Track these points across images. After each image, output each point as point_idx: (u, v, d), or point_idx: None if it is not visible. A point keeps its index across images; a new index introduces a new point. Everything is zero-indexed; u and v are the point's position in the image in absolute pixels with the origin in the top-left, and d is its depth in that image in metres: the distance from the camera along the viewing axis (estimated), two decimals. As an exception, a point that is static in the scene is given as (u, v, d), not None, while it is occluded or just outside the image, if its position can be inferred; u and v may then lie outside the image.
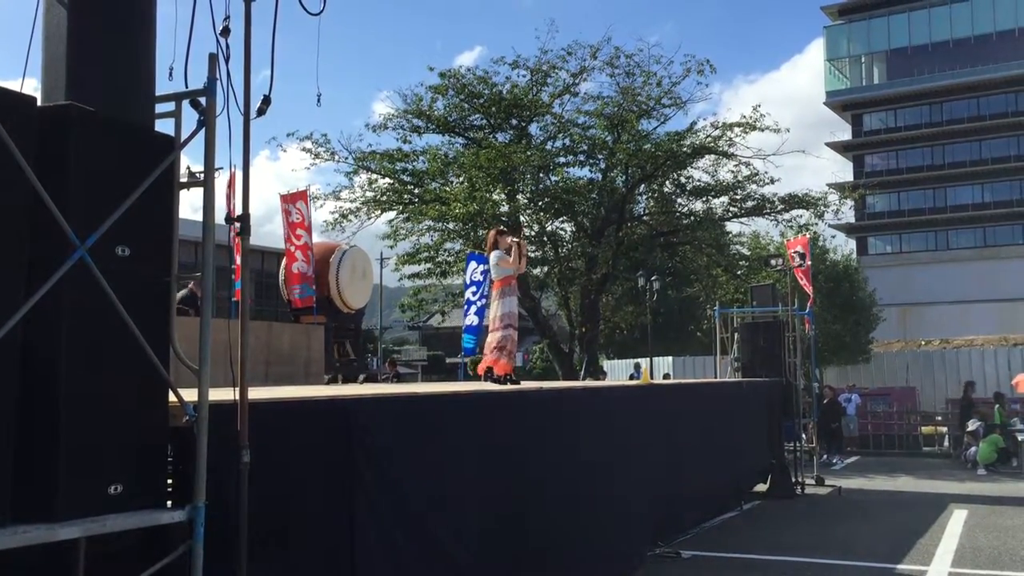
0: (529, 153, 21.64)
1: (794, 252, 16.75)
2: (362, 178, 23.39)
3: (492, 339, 8.83)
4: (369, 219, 23.48)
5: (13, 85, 3.72)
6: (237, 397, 4.14)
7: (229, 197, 12.22)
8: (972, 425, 18.77)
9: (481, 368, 8.93)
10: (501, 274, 8.87)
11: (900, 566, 8.83)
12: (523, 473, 6.74)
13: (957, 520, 11.37)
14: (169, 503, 3.90)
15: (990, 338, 37.63)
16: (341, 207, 23.23)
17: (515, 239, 9.15)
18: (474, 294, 17.05)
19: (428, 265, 23.14)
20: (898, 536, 10.34)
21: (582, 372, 22.40)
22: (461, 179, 21.85)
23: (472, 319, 17.03)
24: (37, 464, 3.37)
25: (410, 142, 23.53)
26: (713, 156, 22.90)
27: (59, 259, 3.39)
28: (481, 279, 16.76)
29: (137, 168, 3.73)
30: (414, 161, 23.47)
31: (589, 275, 22.54)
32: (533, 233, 22.54)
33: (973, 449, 18.08)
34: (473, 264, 17.24)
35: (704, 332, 32.04)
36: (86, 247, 3.45)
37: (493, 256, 8.98)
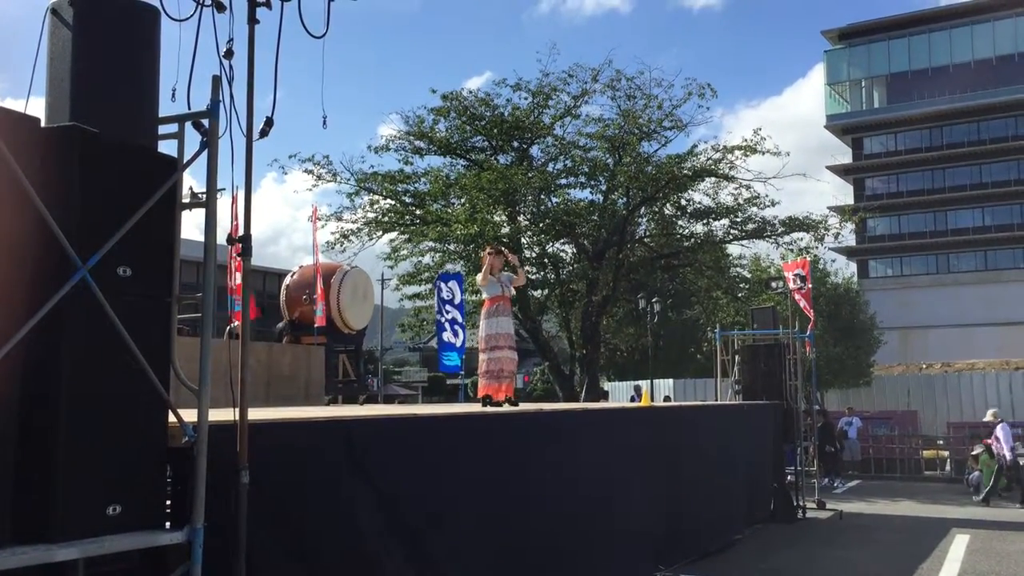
0: (530, 175, 21.71)
1: (793, 275, 16.76)
2: (364, 199, 23.47)
3: (481, 362, 8.80)
4: (370, 240, 23.53)
5: (18, 105, 3.75)
6: (237, 418, 4.13)
7: (235, 215, 12.25)
8: (976, 449, 18.68)
9: (480, 392, 8.88)
10: (490, 293, 8.86)
11: (902, 591, 8.79)
12: (521, 494, 6.72)
13: (959, 545, 11.31)
14: (168, 524, 3.89)
15: (992, 362, 37.65)
16: (342, 228, 23.30)
17: (506, 259, 9.12)
18: (447, 313, 17.46)
19: (429, 285, 23.16)
20: (900, 561, 10.28)
21: (583, 394, 22.36)
22: (462, 200, 21.90)
23: (448, 336, 17.33)
24: (36, 484, 3.36)
25: (412, 163, 23.62)
26: (714, 179, 22.97)
27: (61, 279, 3.40)
28: (448, 298, 17.34)
29: (139, 189, 3.75)
30: (416, 182, 23.53)
31: (590, 297, 22.55)
32: (534, 255, 22.58)
33: (976, 474, 18.00)
34: (440, 283, 17.83)
35: (705, 355, 32.01)
36: (88, 267, 3.46)
37: (477, 279, 9.04)
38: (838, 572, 9.66)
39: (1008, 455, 17.04)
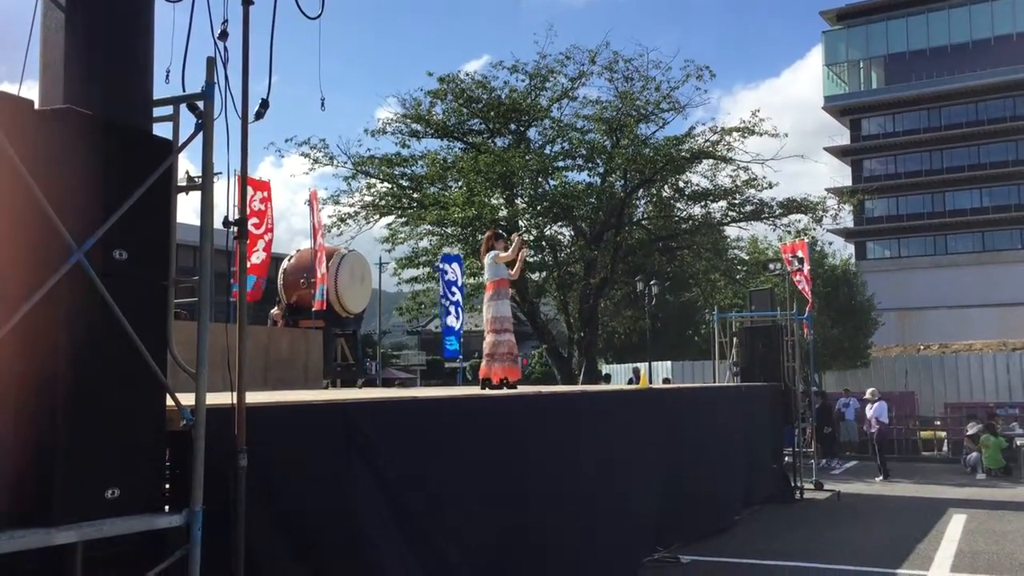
0: (528, 158, 21.66)
1: (791, 256, 16.75)
2: (361, 183, 23.42)
3: (486, 344, 8.75)
4: (368, 223, 23.50)
5: (12, 88, 3.73)
6: (235, 401, 4.13)
7: (238, 200, 12.21)
8: (972, 429, 18.76)
9: (481, 374, 8.85)
10: (496, 275, 8.76)
11: (899, 571, 8.82)
12: (520, 477, 6.73)
13: (956, 525, 11.36)
14: (166, 507, 3.89)
15: (989, 343, 37.65)
16: (340, 211, 23.26)
17: (517, 234, 9.10)
18: (452, 295, 17.34)
19: (427, 269, 23.15)
20: (897, 541, 10.33)
21: (581, 377, 22.39)
22: (460, 184, 21.86)
23: (451, 320, 17.25)
24: (34, 468, 3.36)
25: (409, 147, 23.57)
26: (712, 161, 22.93)
27: (56, 262, 3.38)
28: (453, 280, 17.20)
29: (135, 171, 3.72)
30: (413, 166, 23.49)
31: (588, 280, 22.55)
32: (532, 238, 22.55)
33: (974, 455, 18.07)
34: (443, 265, 17.70)
35: (703, 337, 32.02)
36: (83, 251, 3.44)
37: (488, 257, 8.83)
38: (836, 552, 9.70)
39: (871, 429, 17.95)
